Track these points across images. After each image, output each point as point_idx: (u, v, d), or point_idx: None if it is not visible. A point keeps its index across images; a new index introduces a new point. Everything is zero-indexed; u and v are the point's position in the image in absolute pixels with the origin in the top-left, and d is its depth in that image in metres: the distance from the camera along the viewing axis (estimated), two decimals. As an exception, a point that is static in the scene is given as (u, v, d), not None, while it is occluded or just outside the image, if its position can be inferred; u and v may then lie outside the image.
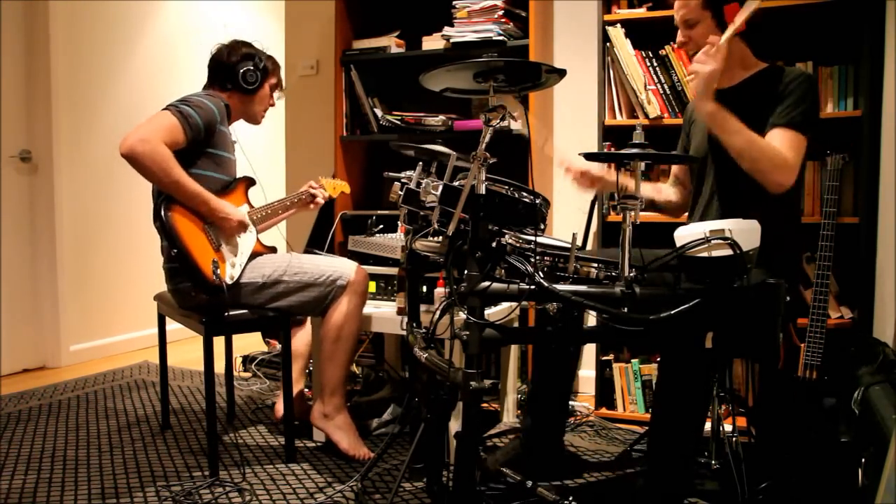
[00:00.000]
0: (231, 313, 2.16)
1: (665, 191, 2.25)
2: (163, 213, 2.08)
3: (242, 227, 2.26)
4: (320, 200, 2.56)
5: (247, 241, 2.28)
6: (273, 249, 2.39)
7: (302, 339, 2.61)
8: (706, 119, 1.83)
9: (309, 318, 2.58)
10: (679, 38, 2.01)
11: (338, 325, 2.24)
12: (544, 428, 2.05)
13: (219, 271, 2.09)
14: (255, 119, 2.45)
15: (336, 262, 2.31)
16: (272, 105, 2.47)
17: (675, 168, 2.28)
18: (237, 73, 2.32)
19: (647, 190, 2.22)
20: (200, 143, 2.18)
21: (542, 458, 1.99)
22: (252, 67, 2.33)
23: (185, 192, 2.10)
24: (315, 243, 2.68)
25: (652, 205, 2.21)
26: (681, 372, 1.61)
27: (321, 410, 2.29)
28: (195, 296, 2.15)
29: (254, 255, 2.28)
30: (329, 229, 2.93)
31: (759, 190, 1.81)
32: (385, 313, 2.35)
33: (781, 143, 1.80)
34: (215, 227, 2.19)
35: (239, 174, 2.39)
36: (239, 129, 2.41)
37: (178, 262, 2.10)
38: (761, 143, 1.79)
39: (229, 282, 2.14)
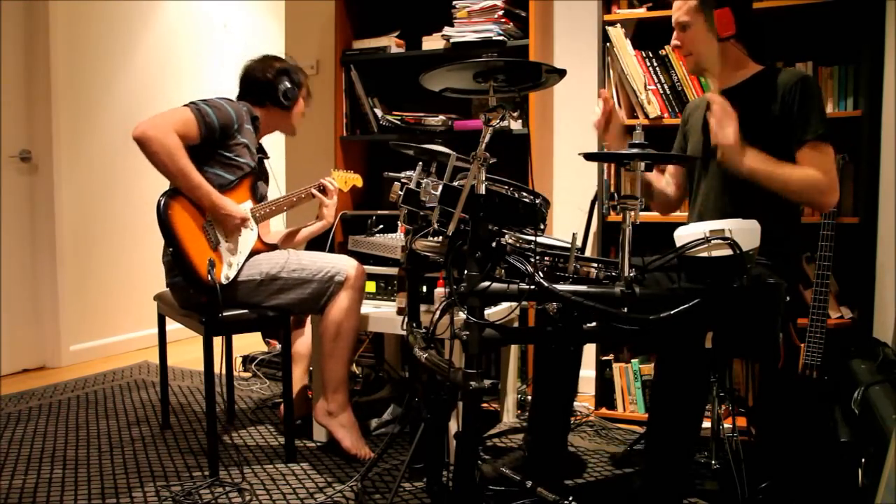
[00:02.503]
0: (230, 313, 2.15)
1: (665, 179, 2.25)
2: (161, 208, 2.09)
3: (244, 224, 2.26)
4: (331, 188, 2.50)
5: (247, 240, 2.27)
6: (274, 248, 2.38)
7: (303, 343, 2.61)
8: (749, 176, 1.78)
9: (309, 321, 2.58)
10: (674, 40, 2.02)
11: (336, 322, 2.24)
12: (548, 436, 2.03)
13: (213, 271, 2.09)
14: (291, 131, 2.50)
15: (334, 258, 2.31)
16: (304, 114, 2.51)
17: (669, 168, 2.28)
18: (277, 91, 2.35)
19: (650, 175, 2.20)
20: (213, 144, 2.19)
21: (546, 463, 1.99)
22: (290, 85, 2.37)
23: (188, 182, 2.11)
24: (317, 242, 2.68)
25: (648, 189, 2.20)
26: (679, 372, 1.61)
27: (325, 408, 2.29)
28: (189, 291, 2.15)
29: (253, 253, 2.27)
30: (329, 229, 2.92)
31: (758, 190, 1.81)
32: (385, 313, 2.35)
33: (813, 162, 1.81)
34: (214, 225, 2.19)
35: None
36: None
37: (174, 259, 2.11)
38: (797, 177, 1.79)
39: (224, 282, 2.13)
